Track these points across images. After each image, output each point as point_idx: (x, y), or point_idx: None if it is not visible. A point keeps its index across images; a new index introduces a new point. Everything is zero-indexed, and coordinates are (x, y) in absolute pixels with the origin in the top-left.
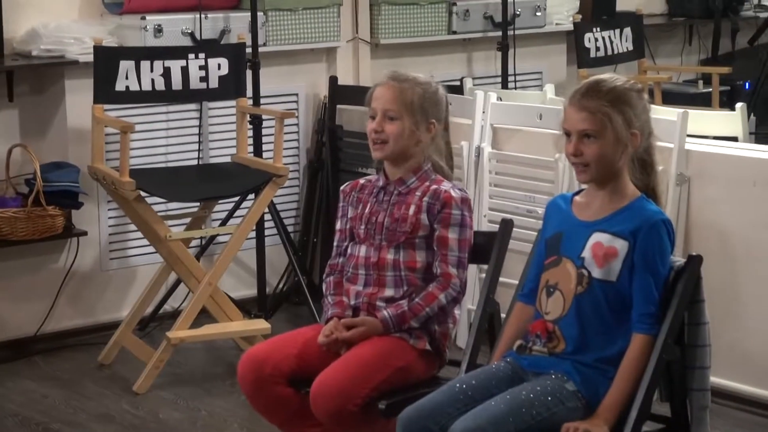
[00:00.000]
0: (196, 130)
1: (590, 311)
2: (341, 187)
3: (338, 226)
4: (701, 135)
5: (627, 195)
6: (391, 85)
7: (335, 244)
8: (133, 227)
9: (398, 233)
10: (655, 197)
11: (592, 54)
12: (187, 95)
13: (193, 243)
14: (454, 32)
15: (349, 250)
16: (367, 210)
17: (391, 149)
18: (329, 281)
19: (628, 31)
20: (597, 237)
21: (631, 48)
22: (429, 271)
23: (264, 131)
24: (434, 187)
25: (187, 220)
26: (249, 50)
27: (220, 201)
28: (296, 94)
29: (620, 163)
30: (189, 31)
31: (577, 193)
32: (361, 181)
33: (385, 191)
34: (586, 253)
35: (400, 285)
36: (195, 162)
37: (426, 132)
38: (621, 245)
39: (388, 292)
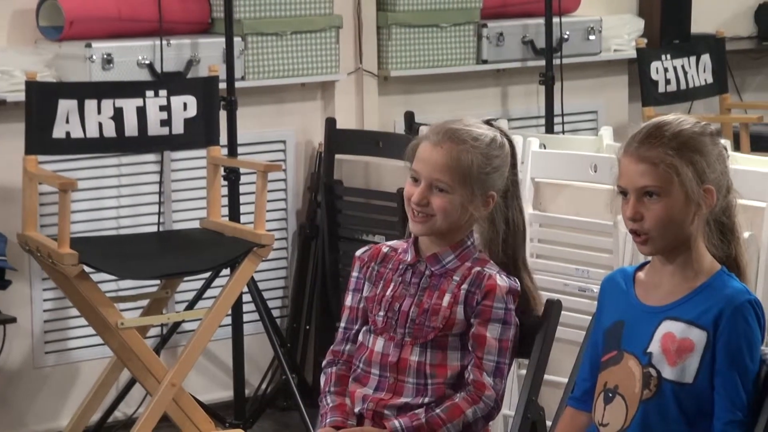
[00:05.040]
0: (155, 188)
1: (659, 421)
2: (357, 253)
3: (348, 302)
4: None
5: (703, 270)
6: (445, 146)
7: (342, 325)
8: (75, 312)
9: (426, 329)
10: (738, 271)
11: (661, 88)
12: (144, 143)
13: (152, 332)
14: (485, 61)
15: (360, 337)
16: (389, 292)
17: (436, 226)
18: (330, 373)
19: (706, 58)
20: (668, 326)
21: (710, 80)
22: (462, 378)
23: (242, 189)
24: (477, 269)
25: (145, 302)
26: (223, 86)
27: (185, 278)
28: (283, 142)
29: (692, 227)
30: (147, 62)
31: (640, 267)
32: (384, 249)
33: (413, 270)
34: (655, 348)
35: (422, 394)
36: (154, 228)
37: (482, 206)
38: (698, 336)
39: (404, 399)
